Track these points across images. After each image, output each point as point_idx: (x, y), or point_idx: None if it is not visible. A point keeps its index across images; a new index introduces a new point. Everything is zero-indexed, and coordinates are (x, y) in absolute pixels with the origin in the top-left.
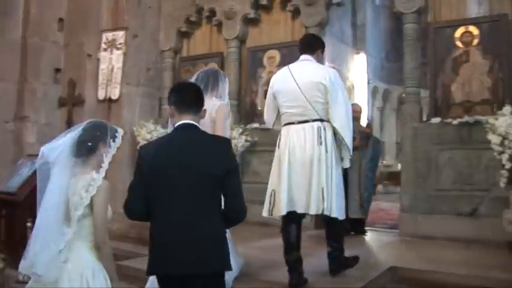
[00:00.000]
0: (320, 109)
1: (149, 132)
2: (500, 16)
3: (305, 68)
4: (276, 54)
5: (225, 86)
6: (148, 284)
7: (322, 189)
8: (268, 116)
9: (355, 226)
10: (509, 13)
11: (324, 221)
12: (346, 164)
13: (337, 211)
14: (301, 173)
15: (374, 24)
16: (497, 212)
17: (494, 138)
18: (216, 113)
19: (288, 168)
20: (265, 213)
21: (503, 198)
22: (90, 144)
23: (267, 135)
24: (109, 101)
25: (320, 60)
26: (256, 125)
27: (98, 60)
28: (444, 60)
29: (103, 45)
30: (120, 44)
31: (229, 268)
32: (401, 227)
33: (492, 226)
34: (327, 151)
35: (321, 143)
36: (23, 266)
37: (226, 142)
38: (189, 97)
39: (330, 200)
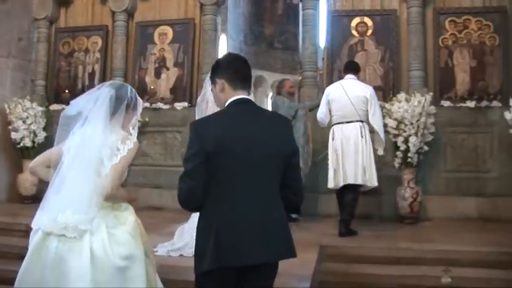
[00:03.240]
0: (362, 114)
1: (25, 110)
2: (391, 11)
3: (353, 84)
4: (168, 30)
5: None
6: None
7: (364, 168)
8: (324, 116)
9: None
10: (398, 9)
11: (347, 192)
12: (381, 152)
13: (374, 181)
14: (351, 157)
15: (234, 7)
16: (390, 189)
17: (390, 123)
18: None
19: (341, 154)
20: (331, 185)
21: (396, 177)
22: (126, 102)
23: (159, 116)
24: None
25: (359, 79)
26: (146, 104)
27: None
28: (341, 47)
29: None
30: None
31: (295, 255)
32: (303, 207)
33: (385, 203)
34: (366, 142)
35: (362, 137)
36: (43, 222)
37: (288, 120)
38: (244, 72)
39: (368, 174)
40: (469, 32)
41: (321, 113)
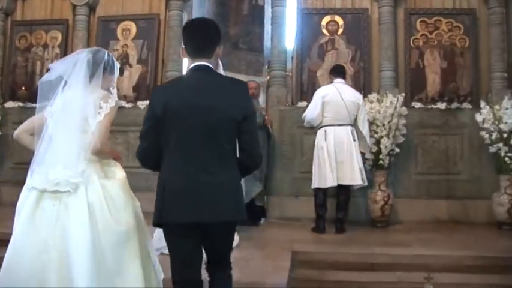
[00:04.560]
0: (352, 119)
1: None
2: (362, 10)
3: (346, 89)
4: (132, 26)
5: None
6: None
7: (360, 168)
8: (316, 118)
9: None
10: (369, 8)
11: (339, 193)
12: (368, 155)
13: (366, 181)
14: (345, 159)
15: (199, 7)
16: (360, 192)
17: None
18: None
19: (334, 155)
20: (319, 185)
21: (367, 179)
22: (103, 65)
23: (121, 115)
24: None
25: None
26: None
27: None
28: (311, 46)
29: None
30: None
31: (244, 217)
32: (269, 210)
33: (356, 206)
34: (357, 145)
35: (354, 140)
36: (36, 180)
37: (243, 84)
38: (198, 41)
39: (364, 175)
40: (440, 33)
41: (313, 114)
